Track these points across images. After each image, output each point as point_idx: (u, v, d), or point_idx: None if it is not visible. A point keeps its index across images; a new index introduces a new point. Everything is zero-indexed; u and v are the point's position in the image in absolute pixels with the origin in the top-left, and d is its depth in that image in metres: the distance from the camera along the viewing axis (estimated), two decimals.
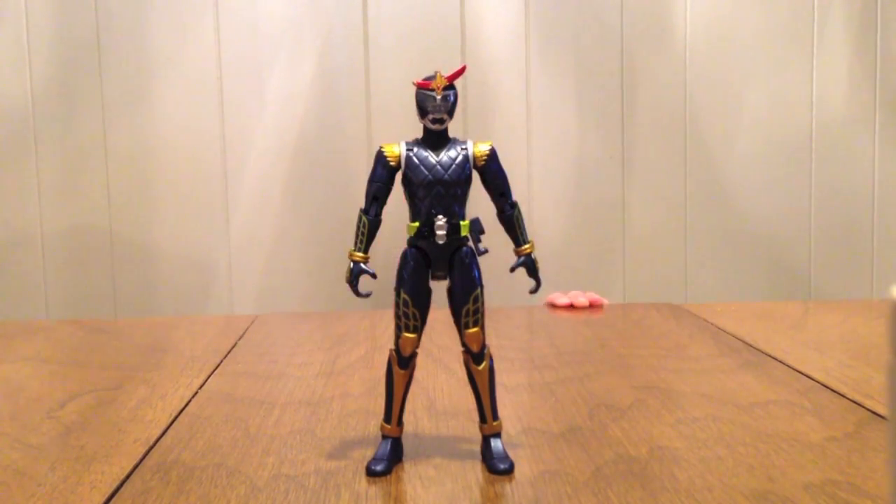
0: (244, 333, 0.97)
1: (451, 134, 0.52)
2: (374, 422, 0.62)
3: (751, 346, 0.85)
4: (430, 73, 0.51)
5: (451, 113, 0.51)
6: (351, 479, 0.52)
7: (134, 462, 0.55)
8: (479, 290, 0.52)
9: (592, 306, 1.12)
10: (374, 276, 0.53)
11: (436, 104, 0.51)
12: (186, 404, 0.69)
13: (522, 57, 1.42)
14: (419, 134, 0.52)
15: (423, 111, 0.51)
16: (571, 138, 1.45)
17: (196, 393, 0.72)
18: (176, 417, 0.65)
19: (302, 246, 1.42)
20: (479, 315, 0.52)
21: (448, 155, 0.51)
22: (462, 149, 0.52)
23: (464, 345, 0.53)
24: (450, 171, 0.51)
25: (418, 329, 0.52)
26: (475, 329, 0.52)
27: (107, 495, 0.50)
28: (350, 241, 0.52)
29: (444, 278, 0.52)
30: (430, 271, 0.52)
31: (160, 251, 1.41)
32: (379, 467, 0.52)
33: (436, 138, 0.52)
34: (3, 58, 1.37)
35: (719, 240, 1.48)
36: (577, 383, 0.73)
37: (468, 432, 0.60)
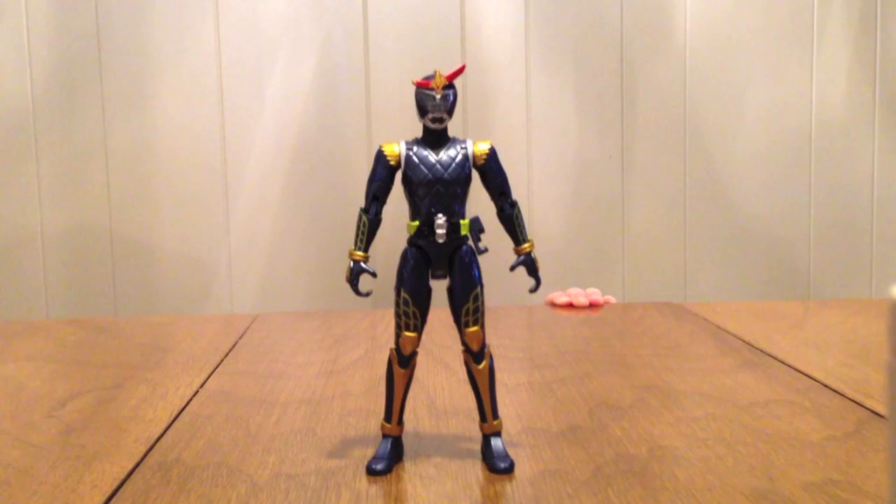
0: (244, 333, 0.97)
1: (450, 133, 0.52)
2: (374, 421, 0.63)
3: (751, 345, 0.85)
4: (429, 72, 0.51)
5: (450, 112, 0.51)
6: (351, 478, 0.52)
7: (135, 461, 0.55)
8: (479, 289, 0.52)
9: (592, 306, 1.12)
10: (374, 275, 0.53)
11: (435, 103, 0.51)
12: (187, 403, 0.69)
13: (522, 57, 1.42)
14: (419, 133, 0.52)
15: (422, 110, 0.51)
16: (571, 138, 1.45)
17: (197, 392, 0.72)
18: (177, 416, 0.65)
19: (302, 245, 1.42)
20: (479, 314, 0.52)
21: (448, 154, 0.52)
22: (462, 148, 0.52)
23: (464, 344, 0.53)
24: (449, 171, 0.51)
25: (418, 328, 0.52)
26: (475, 328, 0.52)
27: (107, 494, 0.50)
28: (350, 241, 0.53)
29: (444, 277, 0.52)
30: (430, 270, 0.52)
31: (160, 251, 1.41)
32: (379, 466, 0.52)
33: (435, 137, 0.52)
34: (3, 58, 1.37)
35: (719, 239, 1.48)
36: (577, 383, 0.73)
37: (468, 431, 0.60)
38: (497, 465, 0.52)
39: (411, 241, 0.52)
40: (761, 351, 0.83)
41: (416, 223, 0.51)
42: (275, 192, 1.41)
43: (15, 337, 0.98)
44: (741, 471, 0.52)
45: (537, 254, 0.54)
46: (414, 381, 0.54)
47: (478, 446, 0.55)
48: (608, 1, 1.43)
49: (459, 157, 0.51)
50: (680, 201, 1.47)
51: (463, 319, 0.52)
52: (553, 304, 1.14)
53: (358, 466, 0.53)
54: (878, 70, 1.46)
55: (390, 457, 0.53)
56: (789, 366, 0.77)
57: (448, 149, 0.52)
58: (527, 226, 0.54)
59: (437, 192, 0.51)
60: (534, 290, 0.54)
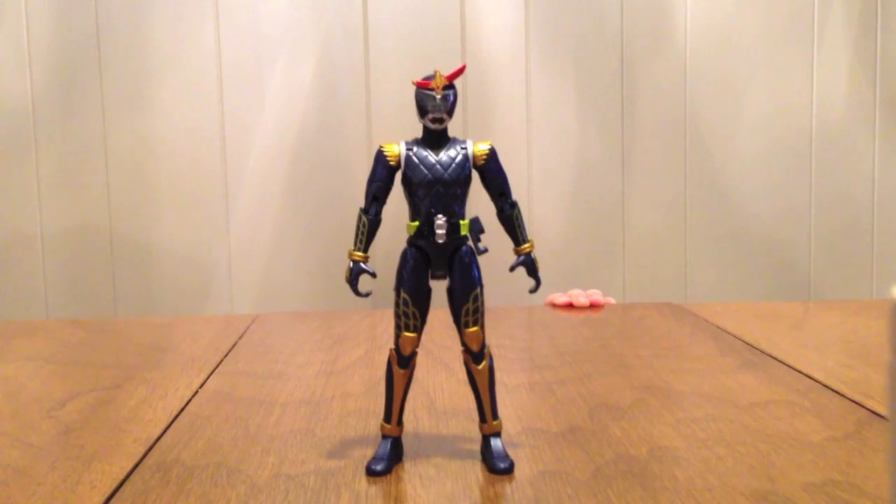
0: (244, 333, 0.97)
1: (450, 133, 0.52)
2: (374, 421, 0.62)
3: (751, 346, 0.85)
4: (429, 72, 0.51)
5: (450, 112, 0.51)
6: (351, 478, 0.52)
7: (134, 461, 0.55)
8: (478, 290, 0.52)
9: (593, 306, 1.12)
10: (373, 275, 0.53)
11: (435, 104, 0.51)
12: (186, 404, 0.68)
13: (522, 57, 1.42)
14: (419, 133, 0.52)
15: (422, 111, 0.51)
16: (571, 138, 1.44)
17: (196, 392, 0.72)
18: (176, 417, 0.65)
19: (302, 245, 1.42)
20: (479, 314, 0.52)
21: (448, 154, 0.51)
22: (462, 148, 0.52)
23: (464, 344, 0.53)
24: (449, 171, 0.51)
25: (418, 328, 0.52)
26: (475, 328, 0.52)
27: (107, 495, 0.50)
28: (350, 241, 0.52)
29: (444, 278, 0.52)
30: (429, 271, 0.52)
31: (160, 251, 1.41)
32: (379, 467, 0.52)
33: (435, 138, 0.52)
34: (3, 58, 1.37)
35: (719, 240, 1.47)
36: (577, 383, 0.73)
37: (468, 432, 0.60)
38: (497, 466, 0.52)
39: (411, 242, 0.52)
40: (761, 351, 0.83)
41: (416, 223, 0.51)
42: (275, 192, 1.41)
43: (14, 337, 0.98)
44: (741, 471, 0.52)
45: (537, 254, 0.54)
46: (414, 381, 0.54)
47: (477, 447, 0.55)
48: (608, 1, 1.43)
49: (459, 158, 0.51)
50: (680, 201, 1.47)
51: (463, 320, 0.52)
52: (553, 305, 1.14)
53: (357, 467, 0.53)
54: (878, 71, 1.46)
55: (390, 457, 0.53)
56: (789, 366, 0.77)
57: (448, 149, 0.52)
58: (527, 226, 0.54)
59: (436, 193, 0.51)
60: (534, 290, 0.54)
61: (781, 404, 0.65)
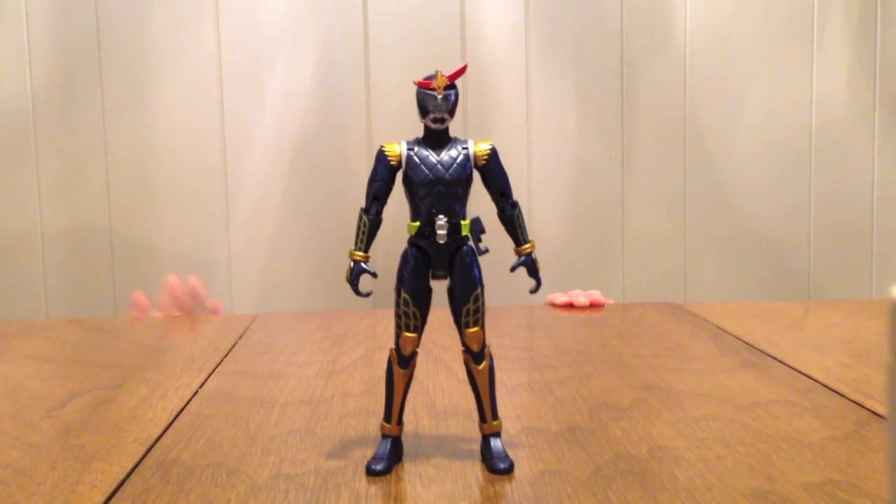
0: (244, 333, 0.97)
1: (451, 133, 0.52)
2: (374, 421, 0.62)
3: (751, 345, 0.85)
4: (430, 72, 0.51)
5: (451, 112, 0.51)
6: (351, 478, 0.52)
7: (134, 461, 0.55)
8: (479, 290, 0.52)
9: (593, 305, 1.12)
10: (374, 275, 0.53)
11: (437, 103, 0.51)
12: (186, 403, 0.69)
13: (522, 57, 1.42)
14: (420, 133, 0.52)
15: (423, 110, 0.51)
16: (571, 138, 1.45)
17: (196, 392, 0.72)
18: (176, 417, 0.65)
19: (302, 245, 1.42)
20: (480, 314, 0.52)
21: (449, 154, 0.51)
22: (463, 148, 0.52)
23: (464, 344, 0.53)
24: (450, 171, 0.51)
25: (418, 328, 0.52)
26: (475, 329, 0.52)
27: (107, 494, 0.50)
28: (350, 241, 0.52)
29: (445, 278, 0.52)
30: (430, 271, 0.52)
31: (160, 251, 1.41)
32: (379, 466, 0.52)
33: (436, 138, 0.52)
34: (3, 58, 1.37)
35: (719, 240, 1.48)
36: (576, 383, 0.73)
37: (468, 432, 0.60)
38: (497, 466, 0.52)
39: (412, 242, 0.52)
40: (761, 351, 0.83)
41: (417, 223, 0.51)
42: (275, 192, 1.41)
43: (15, 337, 0.98)
44: (741, 471, 0.52)
45: (537, 254, 0.54)
46: (414, 381, 0.54)
47: (477, 447, 0.55)
48: (608, 1, 1.43)
49: (460, 158, 0.51)
50: (680, 201, 1.47)
51: (463, 320, 0.52)
52: (553, 305, 1.14)
53: (357, 467, 0.53)
54: (878, 70, 1.46)
55: (390, 457, 0.53)
56: (789, 366, 0.77)
57: (449, 149, 0.52)
58: (527, 226, 0.54)
59: (437, 193, 0.51)
60: (534, 290, 0.54)
61: (781, 404, 0.65)
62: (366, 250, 0.52)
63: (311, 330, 1.01)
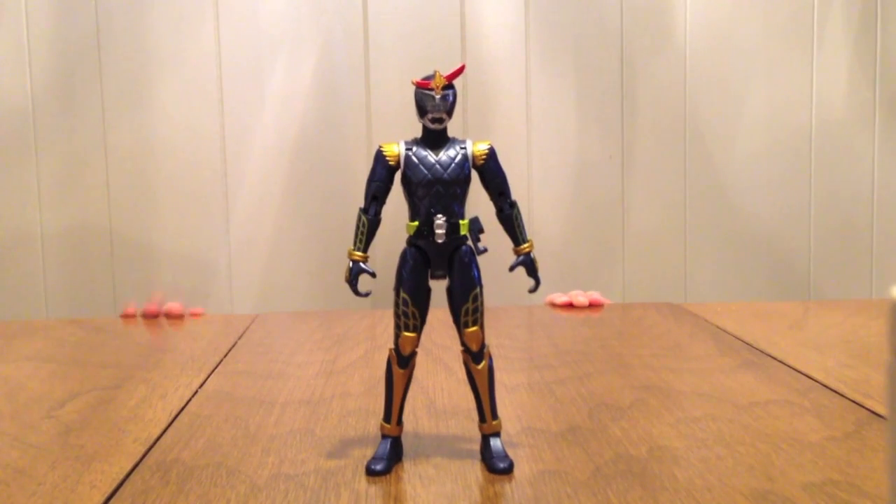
0: (244, 333, 0.97)
1: (450, 133, 0.52)
2: (373, 421, 0.62)
3: (750, 345, 0.85)
4: (429, 72, 0.51)
5: (450, 112, 0.51)
6: (350, 478, 0.52)
7: (134, 461, 0.55)
8: (478, 290, 0.52)
9: (592, 305, 1.12)
10: (373, 275, 0.53)
11: (435, 103, 0.51)
12: (186, 403, 0.69)
13: (522, 57, 1.42)
14: (419, 133, 0.52)
15: (422, 110, 0.51)
16: (571, 138, 1.44)
17: (196, 392, 0.72)
18: (176, 417, 0.65)
19: (302, 245, 1.42)
20: (479, 314, 0.52)
21: (447, 154, 0.52)
22: (461, 148, 0.52)
23: (463, 344, 0.53)
24: (449, 171, 0.51)
25: (418, 328, 0.52)
26: (474, 328, 0.52)
27: (107, 494, 0.50)
28: (350, 241, 0.52)
29: (444, 277, 0.52)
30: (429, 270, 0.52)
31: (160, 251, 1.41)
32: (378, 466, 0.52)
33: (435, 138, 0.52)
34: (3, 58, 1.37)
35: (719, 240, 1.47)
36: (576, 383, 0.73)
37: (468, 432, 0.60)
38: (496, 466, 0.52)
39: (411, 242, 0.52)
40: (761, 351, 0.83)
41: (416, 223, 0.51)
42: (275, 192, 1.41)
43: (14, 337, 0.98)
44: (740, 471, 0.52)
45: (537, 254, 0.54)
46: (413, 381, 0.54)
47: (477, 446, 0.55)
48: (608, 1, 1.43)
49: (459, 158, 0.51)
50: (680, 201, 1.47)
51: (462, 320, 0.52)
52: (553, 305, 1.14)
53: (357, 467, 0.53)
54: (878, 70, 1.46)
55: (389, 457, 0.53)
56: (789, 366, 0.77)
57: (447, 149, 0.52)
58: (526, 226, 0.54)
59: (436, 193, 0.51)
60: (533, 290, 0.54)
61: (781, 404, 0.65)
62: (365, 250, 0.53)
63: (311, 330, 1.01)
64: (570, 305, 1.12)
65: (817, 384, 0.71)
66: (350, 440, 0.59)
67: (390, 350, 0.53)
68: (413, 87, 0.51)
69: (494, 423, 0.54)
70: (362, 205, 0.52)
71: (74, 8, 1.37)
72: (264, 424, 0.63)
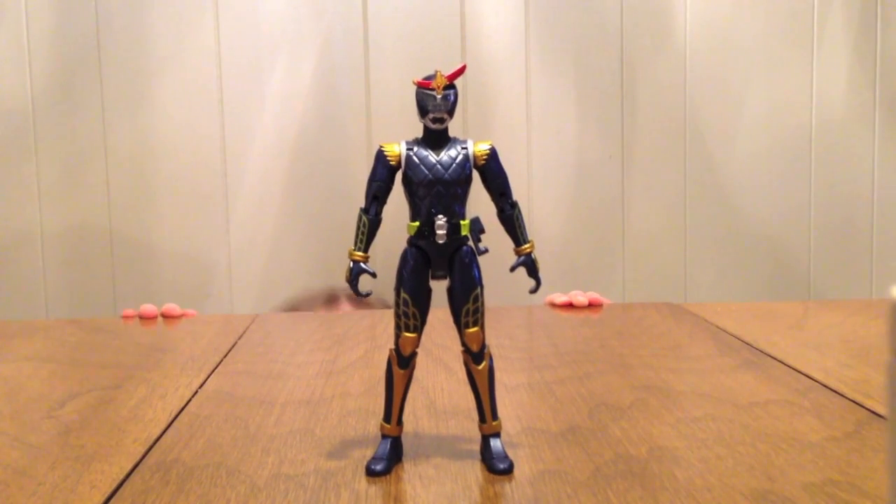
0: (244, 333, 0.97)
1: (451, 133, 0.52)
2: (373, 421, 0.62)
3: (750, 345, 0.85)
4: (430, 72, 0.51)
5: (451, 112, 0.51)
6: (350, 478, 0.52)
7: (134, 461, 0.55)
8: (479, 290, 0.52)
9: (592, 305, 1.12)
10: (373, 275, 0.53)
11: (436, 103, 0.51)
12: (186, 404, 0.69)
13: (522, 57, 1.42)
14: (419, 133, 0.52)
15: (423, 110, 0.51)
16: (571, 138, 1.45)
17: (196, 392, 0.72)
18: (176, 417, 0.65)
19: (302, 245, 1.42)
20: (479, 315, 0.52)
21: (448, 154, 0.51)
22: (462, 148, 0.52)
23: (463, 344, 0.53)
24: (450, 171, 0.51)
25: (418, 329, 0.52)
26: (475, 329, 0.52)
27: (107, 494, 0.50)
28: (350, 241, 0.52)
29: (445, 278, 0.52)
30: (430, 271, 0.52)
31: (160, 250, 1.41)
32: (378, 467, 0.52)
33: (436, 138, 0.52)
34: (3, 58, 1.37)
35: (719, 240, 1.48)
36: (576, 383, 0.73)
37: (468, 432, 0.60)
38: (496, 466, 0.52)
39: (411, 242, 0.52)
40: (761, 351, 0.83)
41: (417, 224, 0.51)
42: (275, 192, 1.41)
43: (14, 337, 0.98)
44: (740, 471, 0.52)
45: (537, 254, 0.54)
46: (414, 381, 0.54)
47: (477, 447, 0.55)
48: (608, 1, 1.43)
49: (460, 158, 0.51)
50: (680, 201, 1.47)
51: (463, 320, 0.52)
52: (553, 304, 1.14)
53: (357, 467, 0.53)
54: (878, 70, 1.46)
55: (389, 457, 0.53)
56: (789, 366, 0.77)
57: (448, 149, 0.52)
58: (527, 226, 0.54)
59: (437, 193, 0.51)
60: (534, 290, 0.54)
61: (781, 404, 0.65)
62: (365, 250, 0.52)
63: (311, 330, 1.01)
64: (569, 305, 1.12)
65: (817, 384, 0.71)
66: (350, 440, 0.59)
67: (390, 350, 0.53)
68: (414, 87, 0.51)
69: (494, 423, 0.53)
70: (363, 205, 0.52)
71: (74, 8, 1.37)
72: (264, 424, 0.63)
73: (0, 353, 0.90)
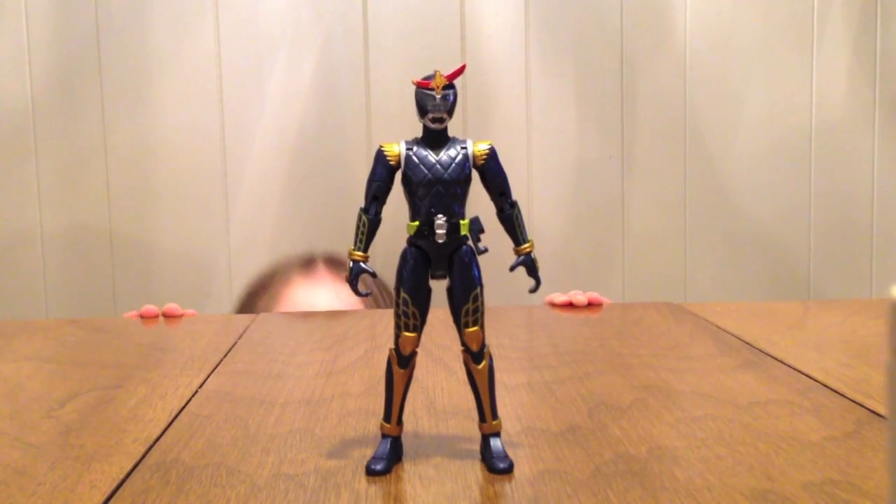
0: (244, 333, 0.97)
1: (450, 133, 0.52)
2: (373, 421, 0.62)
3: (750, 345, 0.85)
4: (429, 72, 0.51)
5: (450, 112, 0.51)
6: (350, 478, 0.52)
7: (134, 461, 0.55)
8: (478, 290, 0.52)
9: (592, 305, 1.12)
10: (373, 275, 0.53)
11: (435, 103, 0.51)
12: (186, 403, 0.69)
13: (522, 57, 1.42)
14: (419, 133, 0.52)
15: (422, 110, 0.51)
16: (571, 138, 1.45)
17: (196, 392, 0.72)
18: (176, 416, 0.65)
19: (302, 245, 1.42)
20: (479, 314, 0.52)
21: (448, 154, 0.51)
22: (462, 148, 0.52)
23: (463, 344, 0.53)
24: (449, 171, 0.51)
25: (418, 328, 0.52)
26: (475, 328, 0.52)
27: (106, 494, 0.50)
28: (350, 241, 0.52)
29: (444, 277, 0.52)
30: (429, 270, 0.52)
31: (160, 250, 1.41)
32: (378, 466, 0.52)
33: (435, 137, 0.52)
34: (3, 58, 1.37)
35: (719, 240, 1.48)
36: (576, 383, 0.73)
37: (468, 432, 0.60)
38: (496, 466, 0.52)
39: (411, 242, 0.52)
40: (761, 351, 0.83)
41: (416, 223, 0.51)
42: (274, 192, 1.41)
43: (14, 337, 0.98)
44: (740, 471, 0.52)
45: (537, 254, 0.54)
46: (414, 381, 0.54)
47: (477, 446, 0.55)
48: (608, 1, 1.43)
49: (459, 158, 0.51)
50: (680, 201, 1.47)
51: (462, 320, 0.52)
52: (552, 304, 1.14)
53: (357, 467, 0.53)
54: (878, 70, 1.46)
55: (389, 457, 0.53)
56: (789, 366, 0.77)
57: (448, 149, 0.52)
58: (527, 226, 0.54)
59: (437, 193, 0.51)
60: (533, 290, 0.54)
61: (781, 404, 0.65)
62: (365, 250, 0.52)
63: (311, 330, 1.01)
64: (569, 305, 1.12)
65: (817, 384, 0.71)
66: (350, 440, 0.59)
67: (390, 350, 0.53)
68: (413, 87, 0.51)
69: (494, 423, 0.53)
70: (362, 204, 0.52)
71: (74, 8, 1.37)
72: (264, 424, 0.63)
73: (0, 353, 0.90)
